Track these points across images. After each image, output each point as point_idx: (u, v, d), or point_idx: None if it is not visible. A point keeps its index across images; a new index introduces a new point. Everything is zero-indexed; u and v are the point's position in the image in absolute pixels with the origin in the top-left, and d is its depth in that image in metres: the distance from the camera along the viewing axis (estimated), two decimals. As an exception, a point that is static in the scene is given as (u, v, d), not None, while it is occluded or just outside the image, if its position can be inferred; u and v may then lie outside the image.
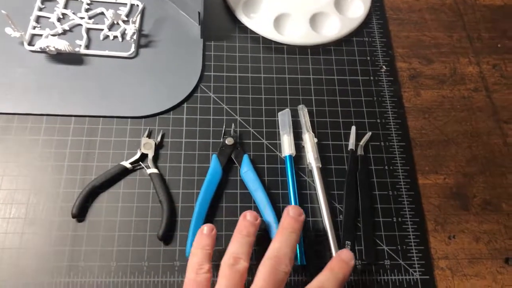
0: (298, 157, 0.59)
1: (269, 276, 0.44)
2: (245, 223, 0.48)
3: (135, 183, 0.55)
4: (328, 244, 0.53)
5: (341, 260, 0.48)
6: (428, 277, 0.53)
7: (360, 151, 0.59)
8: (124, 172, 0.55)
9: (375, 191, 0.58)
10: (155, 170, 0.55)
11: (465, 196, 0.59)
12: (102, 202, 0.54)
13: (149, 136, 0.58)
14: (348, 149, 0.60)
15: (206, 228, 0.49)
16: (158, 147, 0.58)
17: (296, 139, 0.60)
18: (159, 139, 0.58)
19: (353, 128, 0.61)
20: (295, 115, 0.61)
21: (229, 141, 0.59)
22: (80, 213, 0.53)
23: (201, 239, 0.48)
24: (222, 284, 0.44)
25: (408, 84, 0.66)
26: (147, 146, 0.57)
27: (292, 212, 0.49)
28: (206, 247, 0.47)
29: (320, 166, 0.57)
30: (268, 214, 0.53)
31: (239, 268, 0.45)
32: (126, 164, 0.55)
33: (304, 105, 0.61)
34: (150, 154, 0.56)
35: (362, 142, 0.60)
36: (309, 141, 0.58)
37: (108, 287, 0.50)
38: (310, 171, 0.58)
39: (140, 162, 0.56)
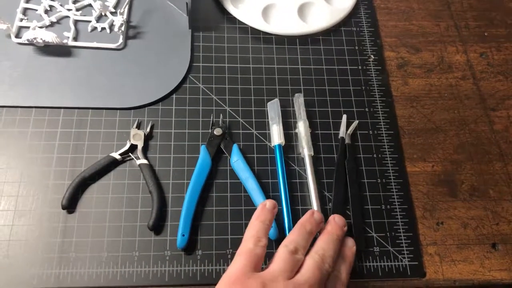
0: (288, 146, 0.59)
1: (315, 270, 0.45)
2: (311, 220, 0.50)
3: (125, 174, 0.55)
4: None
5: (336, 223, 0.51)
6: (417, 263, 0.54)
7: (347, 140, 0.60)
8: (113, 163, 0.55)
9: (364, 179, 0.58)
10: (144, 161, 0.55)
11: (453, 183, 0.60)
12: (92, 194, 0.54)
13: (138, 127, 0.58)
14: (339, 137, 0.60)
15: (268, 203, 0.50)
16: (148, 138, 0.58)
17: (285, 129, 0.60)
18: (148, 130, 0.58)
19: (344, 116, 0.61)
20: (284, 105, 0.62)
21: (217, 131, 0.59)
22: (70, 205, 0.53)
23: (262, 213, 0.49)
24: (280, 265, 0.44)
25: (396, 73, 0.67)
26: (137, 137, 0.57)
27: (337, 219, 0.51)
28: (266, 221, 0.48)
29: (312, 154, 0.58)
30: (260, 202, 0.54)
31: (297, 258, 0.46)
32: (116, 155, 0.55)
33: (301, 94, 0.62)
34: (140, 145, 0.56)
35: (350, 131, 0.60)
36: (303, 129, 0.59)
37: (99, 278, 0.50)
38: (300, 160, 0.58)
39: (130, 153, 0.56)
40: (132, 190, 0.55)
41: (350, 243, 0.51)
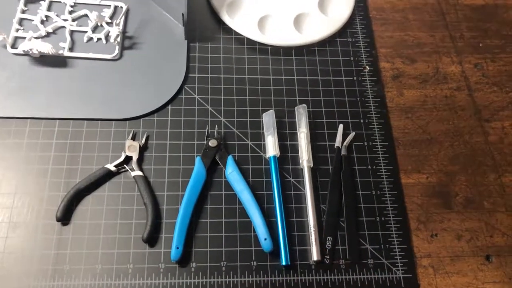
0: (283, 157, 0.59)
1: None
2: None
3: (120, 185, 0.56)
4: (310, 243, 0.54)
5: None
6: (411, 275, 0.54)
7: (344, 151, 0.60)
8: (108, 175, 0.55)
9: (359, 191, 0.58)
10: (139, 173, 0.55)
11: (447, 195, 0.60)
12: (87, 205, 0.54)
13: (133, 138, 0.58)
14: (335, 147, 0.60)
15: None
16: (143, 149, 0.58)
17: (280, 140, 0.60)
18: (143, 141, 0.58)
19: (341, 126, 0.62)
20: (279, 116, 0.62)
21: (212, 142, 0.59)
22: (65, 216, 0.53)
23: None
24: None
25: (391, 84, 0.67)
26: (132, 149, 0.57)
27: None
28: None
29: (312, 166, 0.58)
30: (256, 215, 0.54)
31: None
32: (111, 167, 0.55)
33: (304, 105, 0.62)
34: (135, 156, 0.57)
35: (346, 142, 0.61)
36: (304, 140, 0.59)
37: (93, 290, 0.50)
38: (296, 171, 0.59)
39: (125, 165, 0.56)
40: (127, 202, 0.55)
41: None
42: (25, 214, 0.53)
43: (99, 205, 0.54)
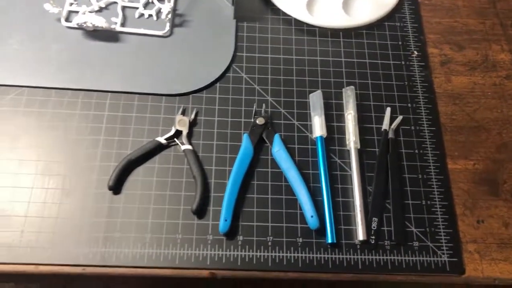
0: (329, 138, 0.59)
1: None
2: None
3: (170, 158, 0.57)
4: (356, 223, 0.54)
5: None
6: (456, 259, 0.54)
7: (391, 135, 0.60)
8: (159, 148, 0.56)
9: (405, 174, 0.58)
10: (189, 147, 0.56)
11: (494, 182, 0.59)
12: (137, 176, 0.55)
13: (183, 113, 0.59)
14: (382, 129, 0.60)
15: None
16: (192, 124, 0.59)
17: (327, 121, 0.60)
18: (193, 116, 0.59)
19: (388, 109, 0.61)
20: (326, 97, 0.62)
21: (260, 120, 0.59)
22: (116, 186, 0.54)
23: None
24: None
25: (439, 70, 0.66)
26: (182, 123, 0.58)
27: None
28: None
29: (359, 147, 0.58)
30: (302, 193, 0.54)
31: None
32: (161, 139, 0.56)
33: (352, 87, 0.62)
34: (185, 131, 0.57)
35: (394, 126, 0.60)
36: (352, 122, 0.59)
37: (143, 258, 0.51)
38: (342, 152, 0.59)
39: (175, 139, 0.57)
40: (177, 174, 0.56)
41: None
42: (77, 182, 0.55)
43: (149, 176, 0.55)
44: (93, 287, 0.63)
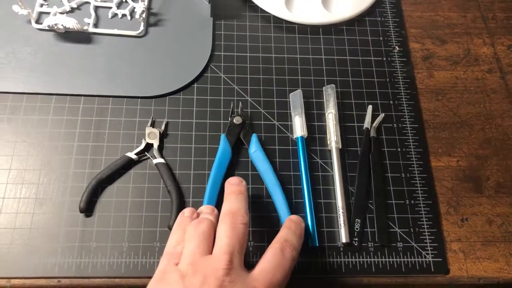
0: (309, 138, 0.58)
1: (230, 231, 0.43)
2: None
3: (144, 175, 0.55)
4: (339, 225, 0.53)
5: (293, 221, 0.49)
6: (440, 259, 0.53)
7: (373, 133, 0.59)
8: (130, 163, 0.55)
9: (388, 173, 0.57)
10: (161, 160, 0.54)
11: (478, 179, 0.58)
12: (111, 197, 0.53)
13: (152, 125, 0.57)
14: (364, 128, 0.59)
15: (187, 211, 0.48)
16: (163, 136, 0.57)
17: (308, 121, 0.59)
18: (163, 128, 0.57)
19: (370, 107, 0.60)
20: (307, 96, 0.61)
21: (237, 120, 0.58)
22: (88, 208, 0.52)
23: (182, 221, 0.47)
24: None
25: (421, 65, 0.65)
26: (152, 136, 0.56)
27: (232, 181, 0.49)
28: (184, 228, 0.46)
29: (340, 147, 0.57)
30: (278, 196, 0.53)
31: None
32: (132, 155, 0.54)
33: (333, 85, 0.61)
34: (156, 143, 0.55)
35: (375, 124, 0.59)
36: (332, 121, 0.58)
37: (120, 268, 0.50)
38: (323, 152, 0.57)
39: (146, 152, 0.55)
40: (151, 190, 0.54)
41: (295, 218, 0.49)
42: (51, 191, 0.53)
43: (123, 195, 0.54)
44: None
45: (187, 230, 0.44)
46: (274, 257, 0.44)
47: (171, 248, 0.44)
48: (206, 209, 0.48)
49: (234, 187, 0.48)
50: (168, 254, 0.43)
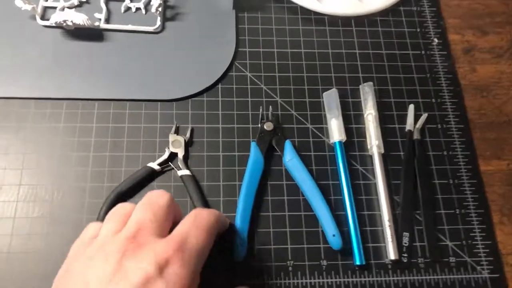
0: (348, 142, 0.53)
1: (142, 205, 0.38)
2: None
3: (168, 188, 0.49)
4: (386, 240, 0.48)
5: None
6: (498, 275, 0.48)
7: (416, 135, 0.53)
8: (152, 175, 0.49)
9: (435, 180, 0.52)
10: (186, 172, 0.49)
11: (531, 184, 0.53)
12: (135, 198, 0.48)
13: (176, 132, 0.52)
14: (406, 130, 0.54)
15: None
16: (188, 144, 0.51)
17: (344, 123, 0.53)
18: (188, 135, 0.51)
19: (411, 106, 0.55)
20: (342, 95, 0.55)
21: (268, 126, 0.53)
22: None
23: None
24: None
25: (462, 59, 0.60)
26: (176, 144, 0.51)
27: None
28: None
29: (383, 152, 0.52)
30: (321, 208, 0.48)
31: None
32: (154, 165, 0.49)
33: (371, 83, 0.55)
34: (180, 153, 0.50)
35: (419, 125, 0.54)
36: (373, 123, 0.53)
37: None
38: (364, 158, 0.52)
39: (170, 163, 0.50)
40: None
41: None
42: (66, 208, 0.48)
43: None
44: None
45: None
46: (187, 219, 0.38)
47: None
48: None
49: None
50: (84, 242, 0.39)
